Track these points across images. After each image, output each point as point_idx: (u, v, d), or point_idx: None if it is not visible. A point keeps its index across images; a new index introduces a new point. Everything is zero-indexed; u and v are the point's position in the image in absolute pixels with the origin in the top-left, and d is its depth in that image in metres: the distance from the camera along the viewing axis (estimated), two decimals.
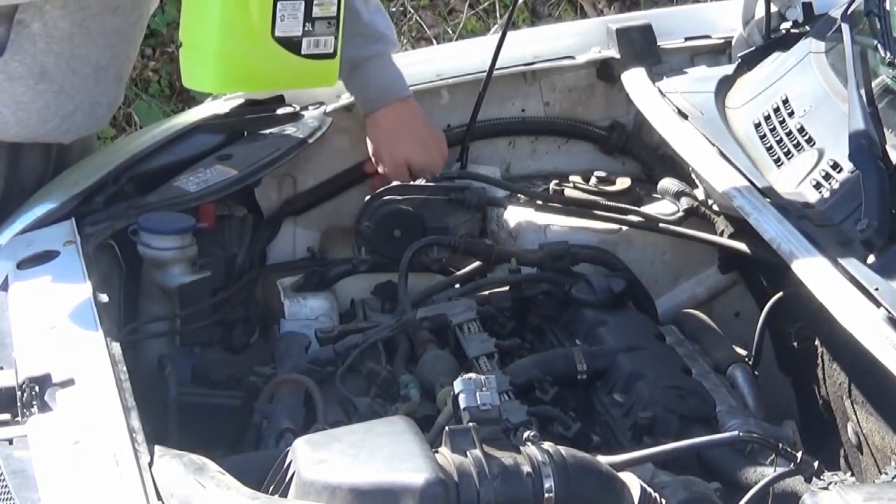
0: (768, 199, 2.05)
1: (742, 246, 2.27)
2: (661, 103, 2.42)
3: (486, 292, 2.28)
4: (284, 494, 1.50)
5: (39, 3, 2.20)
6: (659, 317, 2.31)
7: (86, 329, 1.81)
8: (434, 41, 5.35)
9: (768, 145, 2.19)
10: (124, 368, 1.73)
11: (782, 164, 2.13)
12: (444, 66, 2.64)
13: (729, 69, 2.48)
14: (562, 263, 2.26)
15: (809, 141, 2.11)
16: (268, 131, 2.47)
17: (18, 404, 1.66)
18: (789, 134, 2.16)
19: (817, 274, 1.86)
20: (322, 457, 1.49)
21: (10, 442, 1.59)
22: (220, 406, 2.05)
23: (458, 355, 2.07)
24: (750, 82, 2.41)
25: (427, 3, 5.63)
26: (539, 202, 2.42)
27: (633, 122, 2.72)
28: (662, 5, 5.38)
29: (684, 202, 2.41)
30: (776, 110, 2.23)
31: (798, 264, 1.90)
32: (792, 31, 2.49)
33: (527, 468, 1.49)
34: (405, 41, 5.37)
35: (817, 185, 2.02)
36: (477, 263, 2.33)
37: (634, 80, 2.56)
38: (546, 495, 1.48)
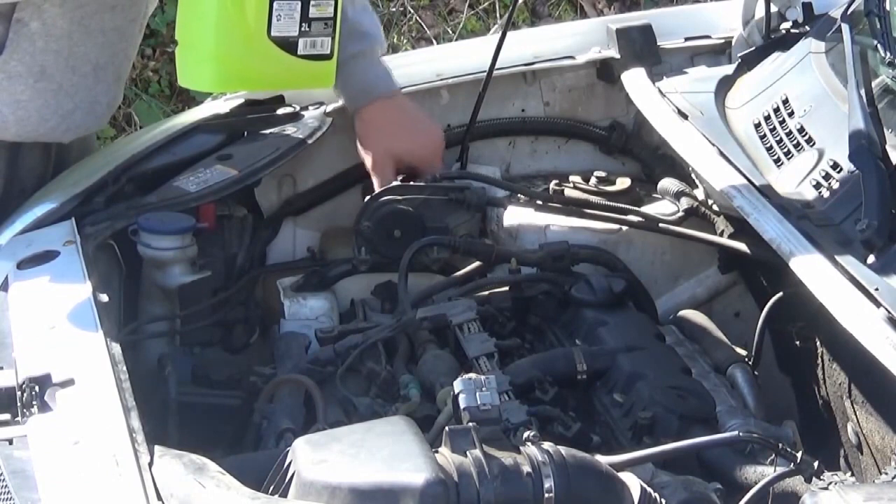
0: (768, 199, 2.05)
1: (742, 246, 2.26)
2: (661, 103, 2.42)
3: (486, 292, 2.28)
4: (284, 494, 1.50)
5: (38, 2, 2.20)
6: (659, 317, 2.31)
7: (86, 329, 1.81)
8: (434, 41, 5.35)
9: (768, 145, 2.19)
10: (124, 368, 1.73)
11: (782, 164, 2.13)
12: (444, 66, 2.64)
13: (729, 69, 2.48)
14: (562, 263, 2.26)
15: (809, 141, 2.11)
16: (268, 131, 2.47)
17: (18, 404, 1.66)
18: (789, 134, 2.16)
19: (817, 274, 1.86)
20: (322, 457, 1.50)
21: (10, 442, 1.59)
22: (220, 406, 2.05)
23: (458, 355, 2.07)
24: (750, 82, 2.41)
25: (427, 3, 5.63)
26: (539, 202, 2.42)
27: (633, 122, 2.72)
28: (662, 5, 5.38)
29: (684, 202, 2.41)
30: (776, 110, 2.23)
31: (798, 264, 1.90)
32: (792, 31, 2.49)
33: (527, 468, 1.49)
34: (405, 41, 5.37)
35: (817, 185, 2.02)
36: (477, 263, 2.33)
37: (634, 80, 2.56)
38: (546, 495, 1.48)
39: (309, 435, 1.61)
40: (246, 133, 2.48)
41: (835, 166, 2.02)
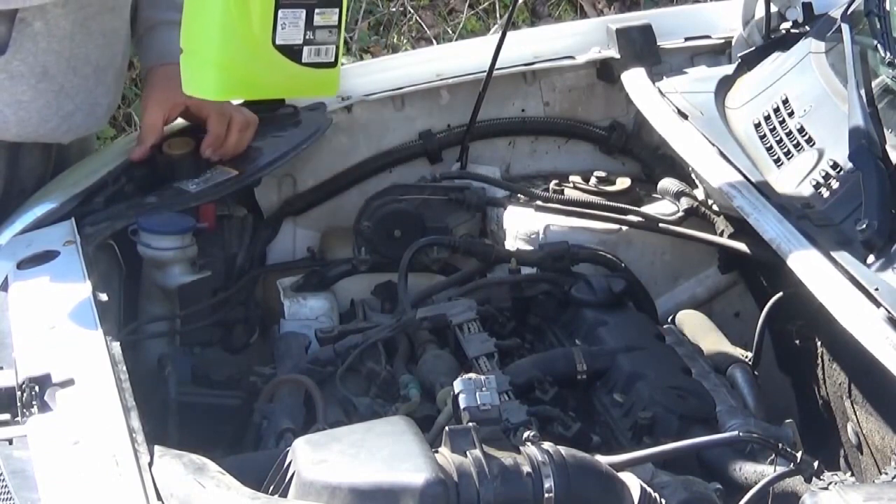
0: (768, 199, 2.05)
1: (742, 246, 2.27)
2: (661, 103, 2.42)
3: (486, 292, 2.28)
4: (284, 494, 1.50)
5: (42, 2, 2.20)
6: (659, 317, 2.31)
7: (86, 329, 1.81)
8: (434, 41, 5.35)
9: (768, 145, 2.19)
10: (124, 368, 1.73)
11: (782, 164, 2.13)
12: (444, 66, 2.64)
13: (729, 69, 2.48)
14: (562, 263, 2.26)
15: (809, 141, 2.11)
16: (268, 131, 2.47)
17: (18, 404, 1.66)
18: (789, 134, 2.16)
19: (817, 274, 1.86)
20: (322, 457, 1.50)
21: (10, 442, 1.59)
22: (220, 406, 2.05)
23: (458, 355, 2.07)
24: (750, 82, 2.41)
25: (427, 3, 5.63)
26: (539, 202, 2.42)
27: (633, 122, 2.72)
28: (662, 5, 5.38)
29: (684, 202, 2.41)
30: (776, 110, 2.23)
31: (798, 264, 1.90)
32: (792, 31, 2.49)
33: (527, 468, 1.49)
34: (405, 41, 5.37)
35: (817, 185, 2.02)
36: (477, 263, 2.33)
37: (634, 80, 2.56)
38: (546, 495, 1.48)
39: (309, 435, 1.61)
40: None
41: (835, 166, 2.02)
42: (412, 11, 5.45)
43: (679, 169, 2.51)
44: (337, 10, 2.23)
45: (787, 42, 2.45)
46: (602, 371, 1.99)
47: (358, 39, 5.16)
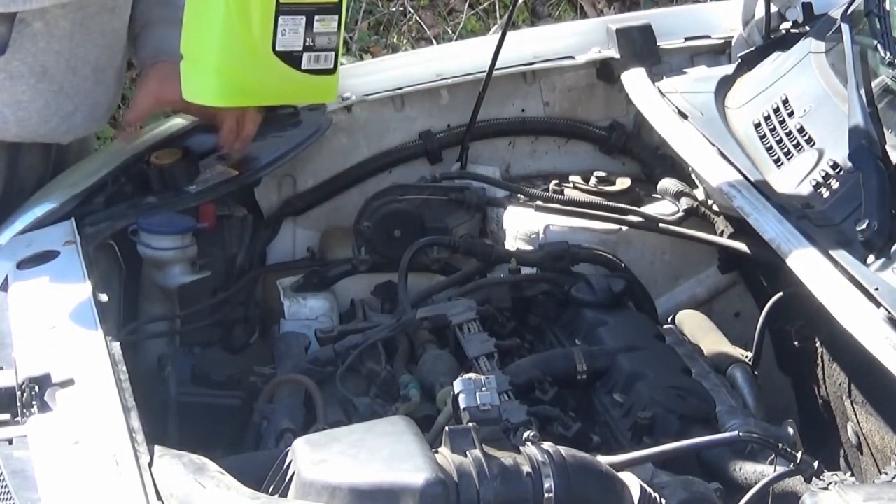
0: (768, 199, 2.05)
1: (742, 246, 2.27)
2: (661, 103, 2.42)
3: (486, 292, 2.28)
4: (284, 494, 1.50)
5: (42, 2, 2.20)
6: (659, 317, 2.31)
7: (86, 329, 1.81)
8: (434, 41, 5.35)
9: (768, 145, 2.19)
10: (124, 368, 1.73)
11: (782, 164, 2.13)
12: (444, 66, 2.64)
13: (729, 69, 2.48)
14: (562, 263, 2.26)
15: (809, 141, 2.11)
16: (268, 131, 2.47)
17: (18, 404, 1.66)
18: (789, 134, 2.16)
19: (817, 274, 1.86)
20: (322, 457, 1.50)
21: (10, 442, 1.59)
22: (220, 406, 2.05)
23: (458, 355, 2.07)
24: (750, 82, 2.41)
25: (427, 3, 5.63)
26: (539, 202, 2.42)
27: (633, 122, 2.72)
28: (662, 5, 5.38)
29: (684, 202, 2.41)
30: (776, 110, 2.23)
31: (798, 265, 1.90)
32: (792, 31, 2.49)
33: (527, 468, 1.49)
34: (405, 41, 5.37)
35: (817, 185, 2.02)
36: (477, 263, 2.33)
37: (634, 80, 2.56)
38: (546, 495, 1.48)
39: (309, 435, 1.61)
40: None
41: (835, 166, 2.02)
42: (412, 11, 5.45)
43: (679, 169, 2.51)
44: (336, 16, 2.23)
45: (787, 42, 2.45)
46: (602, 371, 1.99)
47: (358, 39, 5.16)
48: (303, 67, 2.23)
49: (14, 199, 2.32)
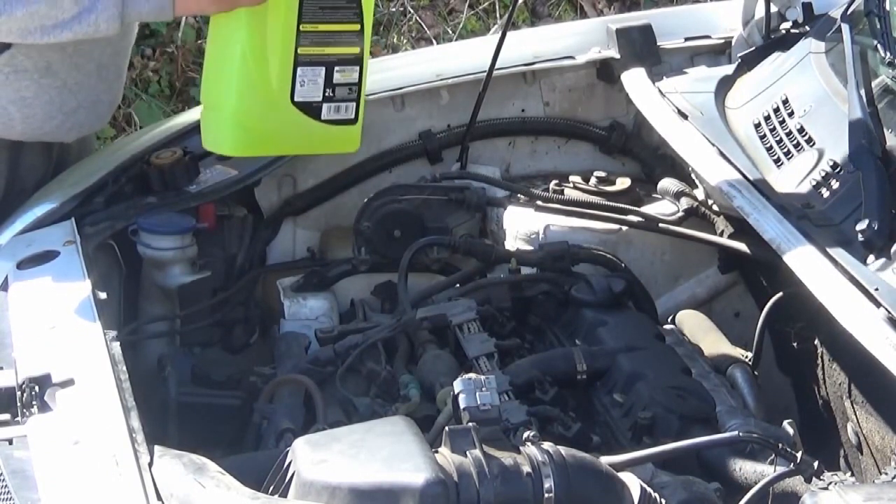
0: (768, 199, 2.05)
1: (742, 246, 2.27)
2: (661, 103, 2.42)
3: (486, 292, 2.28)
4: (284, 494, 1.50)
5: None
6: (659, 317, 2.31)
7: (86, 329, 1.81)
8: (434, 41, 5.35)
9: (768, 145, 2.19)
10: (124, 368, 1.73)
11: (782, 164, 2.13)
12: (444, 66, 2.64)
13: (729, 69, 2.48)
14: (562, 263, 2.25)
15: (809, 141, 2.11)
16: None
17: (18, 404, 1.66)
18: (789, 134, 2.16)
19: (817, 274, 1.86)
20: (322, 457, 1.50)
21: (10, 442, 1.59)
22: (220, 406, 2.05)
23: (458, 355, 2.07)
24: (750, 82, 2.41)
25: (427, 3, 5.63)
26: (539, 202, 2.42)
27: (633, 122, 2.72)
28: (662, 5, 5.38)
29: (684, 202, 2.41)
30: (776, 110, 2.23)
31: (798, 265, 1.90)
32: (792, 31, 2.49)
33: (527, 468, 1.49)
34: (405, 41, 5.37)
35: (817, 185, 2.02)
36: (477, 263, 2.33)
37: (634, 80, 2.56)
38: (546, 495, 1.48)
39: (309, 435, 1.61)
40: None
41: (835, 166, 2.02)
42: (412, 11, 5.45)
43: (679, 169, 2.51)
44: (357, 67, 2.24)
45: (787, 42, 2.45)
46: (602, 371, 1.99)
47: None
48: (323, 118, 2.24)
49: (15, 199, 2.32)
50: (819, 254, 1.88)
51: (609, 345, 2.05)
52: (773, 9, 2.54)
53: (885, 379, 1.69)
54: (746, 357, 2.16)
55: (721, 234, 2.35)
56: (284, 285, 2.38)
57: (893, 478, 1.64)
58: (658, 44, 2.65)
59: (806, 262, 1.89)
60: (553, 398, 1.95)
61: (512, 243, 2.41)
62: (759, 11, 2.57)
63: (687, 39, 2.70)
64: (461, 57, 2.68)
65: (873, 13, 2.16)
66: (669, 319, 2.32)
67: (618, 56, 2.63)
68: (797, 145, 2.13)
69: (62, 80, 2.28)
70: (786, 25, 2.52)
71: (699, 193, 2.42)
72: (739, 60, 2.48)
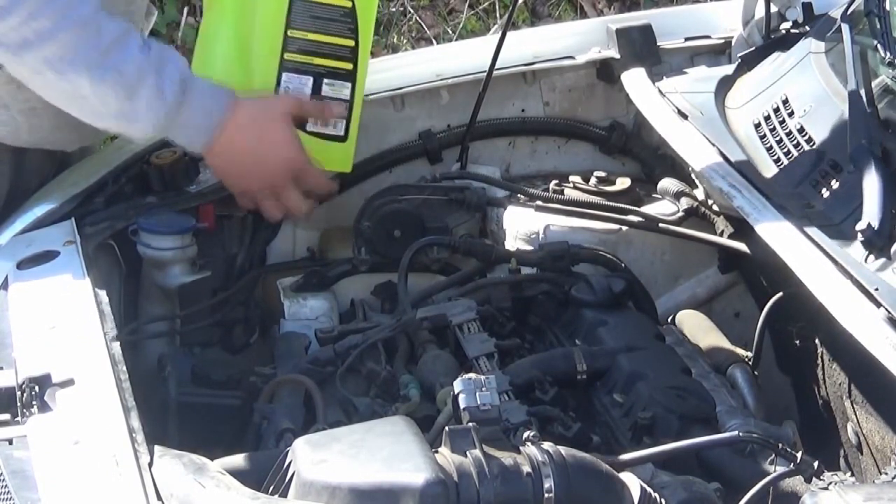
0: (768, 199, 2.05)
1: (742, 246, 2.27)
2: (661, 103, 2.43)
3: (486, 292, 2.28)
4: (284, 494, 1.50)
5: None
6: (659, 317, 2.31)
7: (86, 329, 1.81)
8: (434, 41, 5.35)
9: (768, 145, 2.19)
10: (124, 368, 1.73)
11: (782, 164, 2.13)
12: (444, 66, 2.64)
13: (729, 69, 2.48)
14: (562, 263, 2.25)
15: (809, 141, 2.11)
16: None
17: (18, 404, 1.66)
18: (789, 134, 2.16)
19: (817, 274, 1.86)
20: (322, 457, 1.50)
21: (10, 442, 1.59)
22: (220, 406, 2.05)
23: (458, 355, 2.07)
24: (750, 82, 2.41)
25: (427, 3, 5.63)
26: (539, 202, 2.42)
27: (633, 122, 2.72)
28: (662, 5, 5.38)
29: (684, 202, 2.41)
30: (776, 110, 2.23)
31: (798, 265, 1.90)
32: (792, 31, 2.49)
33: (527, 468, 1.49)
34: (405, 41, 5.37)
35: (817, 185, 2.02)
36: (477, 263, 2.33)
37: (634, 80, 2.56)
38: (546, 495, 1.48)
39: (309, 435, 1.61)
40: None
41: (835, 166, 2.02)
42: (412, 11, 5.45)
43: (679, 169, 2.51)
44: (349, 84, 2.23)
45: (787, 42, 2.45)
46: (602, 371, 1.99)
47: None
48: (308, 129, 2.23)
49: (19, 201, 2.32)
50: (819, 254, 1.88)
51: (609, 345, 2.05)
52: (773, 9, 2.54)
53: (885, 379, 1.69)
54: (746, 357, 2.16)
55: (721, 234, 2.35)
56: (284, 285, 2.38)
57: (893, 478, 1.64)
58: (658, 44, 2.65)
59: (806, 262, 1.89)
60: (553, 398, 1.95)
61: (512, 243, 2.41)
62: (759, 11, 2.57)
63: (687, 39, 2.70)
64: (461, 57, 2.68)
65: (873, 13, 2.16)
66: (669, 319, 2.32)
67: (618, 56, 2.63)
68: (797, 145, 2.13)
69: None
70: (786, 25, 2.52)
71: (699, 193, 2.42)
72: (739, 60, 2.48)
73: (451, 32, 5.46)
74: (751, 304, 2.41)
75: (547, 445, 1.54)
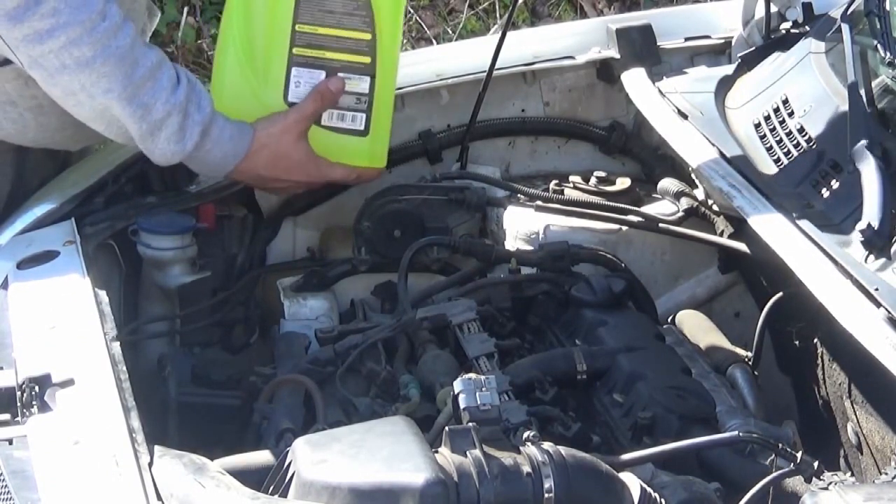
0: (768, 199, 2.05)
1: (742, 246, 2.27)
2: (661, 103, 2.43)
3: (486, 292, 2.28)
4: (284, 494, 1.50)
5: None
6: (659, 317, 2.31)
7: (86, 329, 1.81)
8: (434, 41, 5.35)
9: (768, 145, 2.19)
10: (124, 368, 1.73)
11: (782, 164, 2.13)
12: (444, 66, 2.64)
13: (729, 69, 2.48)
14: (562, 263, 2.25)
15: (809, 141, 2.11)
16: None
17: (18, 404, 1.66)
18: (789, 134, 2.16)
19: (817, 274, 1.86)
20: (322, 457, 1.50)
21: (10, 442, 1.59)
22: (220, 406, 2.05)
23: (458, 355, 2.07)
24: (750, 82, 2.41)
25: (427, 3, 5.63)
26: (539, 202, 2.42)
27: (633, 122, 2.72)
28: (662, 5, 5.38)
29: (684, 202, 2.41)
30: (776, 110, 2.23)
31: (798, 265, 1.90)
32: (792, 31, 2.50)
33: (527, 468, 1.49)
34: (405, 41, 5.37)
35: (817, 185, 2.02)
36: (477, 263, 2.33)
37: (634, 80, 2.56)
38: (546, 495, 1.48)
39: (309, 435, 1.61)
40: None
41: (835, 166, 2.02)
42: (412, 11, 5.45)
43: (679, 169, 2.51)
44: (367, 77, 2.22)
45: (787, 42, 2.45)
46: (602, 371, 1.99)
47: None
48: (323, 123, 2.23)
49: (20, 201, 2.32)
50: (819, 254, 1.88)
51: (609, 345, 2.05)
52: (773, 9, 2.54)
53: (885, 379, 1.69)
54: (746, 357, 2.16)
55: (721, 234, 2.35)
56: (284, 285, 2.38)
57: (893, 478, 1.64)
58: (658, 44, 2.65)
59: (806, 262, 1.89)
60: (553, 398, 1.95)
61: (512, 243, 2.41)
62: (759, 11, 2.57)
63: (687, 39, 2.70)
64: (461, 57, 2.68)
65: (873, 13, 2.17)
66: (669, 319, 2.32)
67: (618, 56, 2.63)
68: (797, 145, 2.13)
69: None
70: (786, 25, 2.53)
71: (699, 193, 2.42)
72: (739, 60, 2.48)
73: (451, 32, 5.46)
74: (751, 304, 2.41)
75: (547, 445, 1.54)
